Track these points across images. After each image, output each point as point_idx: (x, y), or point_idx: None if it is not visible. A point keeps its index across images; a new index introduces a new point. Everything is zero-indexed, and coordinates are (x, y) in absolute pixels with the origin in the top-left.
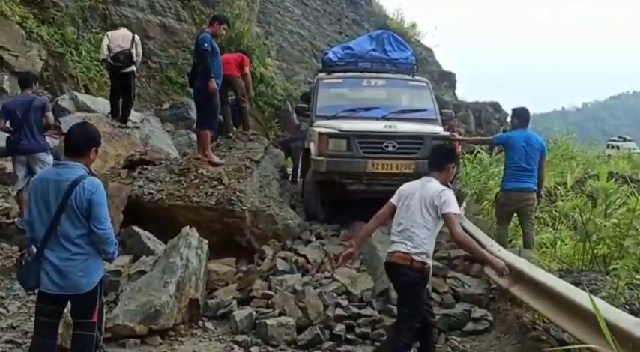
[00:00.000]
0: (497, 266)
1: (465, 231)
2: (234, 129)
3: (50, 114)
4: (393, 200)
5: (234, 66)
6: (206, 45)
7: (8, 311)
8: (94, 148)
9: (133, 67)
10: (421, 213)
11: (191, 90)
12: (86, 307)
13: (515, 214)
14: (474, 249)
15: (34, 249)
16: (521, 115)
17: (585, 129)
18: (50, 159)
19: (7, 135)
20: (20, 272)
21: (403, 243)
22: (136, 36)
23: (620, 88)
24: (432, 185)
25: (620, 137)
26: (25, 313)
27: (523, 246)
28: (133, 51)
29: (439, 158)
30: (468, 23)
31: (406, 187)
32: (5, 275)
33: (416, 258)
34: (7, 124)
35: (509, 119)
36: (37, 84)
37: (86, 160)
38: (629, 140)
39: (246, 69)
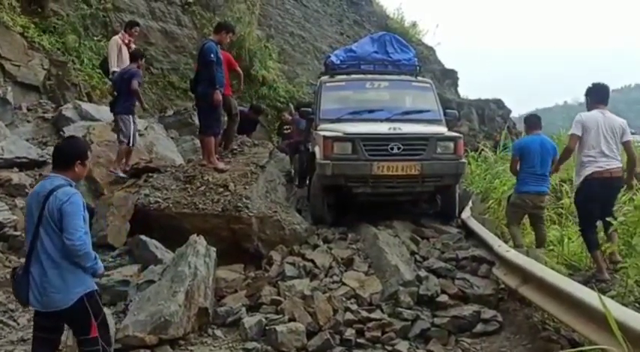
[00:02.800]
0: None
1: (472, 231)
2: (237, 136)
3: (134, 82)
4: (576, 131)
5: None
6: (212, 56)
7: (18, 324)
8: (79, 162)
9: (113, 70)
10: (612, 137)
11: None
12: (79, 324)
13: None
14: None
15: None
16: (528, 120)
17: None
18: (129, 119)
19: None
20: (13, 287)
21: (615, 159)
22: (110, 41)
23: (622, 81)
24: (612, 115)
25: None
26: None
27: (536, 244)
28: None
29: (606, 93)
30: (468, 22)
31: (587, 119)
32: None
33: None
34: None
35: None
36: (143, 59)
37: (72, 174)
38: (633, 133)
39: (237, 68)
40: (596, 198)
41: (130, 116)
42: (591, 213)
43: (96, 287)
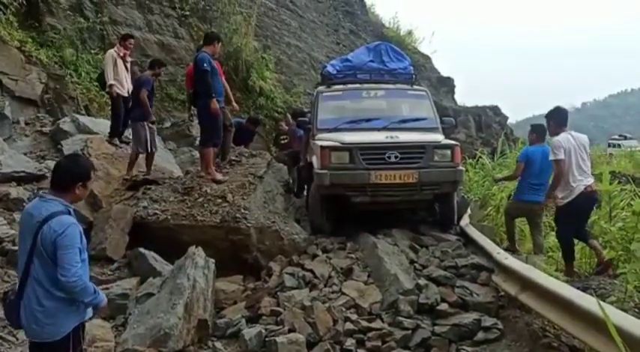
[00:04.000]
0: None
1: (471, 239)
2: (234, 147)
3: (143, 91)
4: (562, 156)
5: None
6: (205, 65)
7: (17, 339)
8: (80, 184)
9: (109, 83)
10: (585, 153)
11: (193, 108)
12: None
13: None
14: None
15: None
16: (537, 130)
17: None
18: (136, 127)
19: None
20: (4, 309)
21: (590, 176)
22: (106, 55)
23: (619, 86)
24: (577, 134)
25: (621, 135)
26: None
27: (533, 251)
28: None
29: (566, 116)
30: (465, 26)
31: (563, 141)
32: None
33: None
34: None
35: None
36: (159, 68)
37: (70, 197)
38: (631, 138)
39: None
40: (581, 213)
41: (144, 122)
42: (573, 226)
43: (89, 316)
